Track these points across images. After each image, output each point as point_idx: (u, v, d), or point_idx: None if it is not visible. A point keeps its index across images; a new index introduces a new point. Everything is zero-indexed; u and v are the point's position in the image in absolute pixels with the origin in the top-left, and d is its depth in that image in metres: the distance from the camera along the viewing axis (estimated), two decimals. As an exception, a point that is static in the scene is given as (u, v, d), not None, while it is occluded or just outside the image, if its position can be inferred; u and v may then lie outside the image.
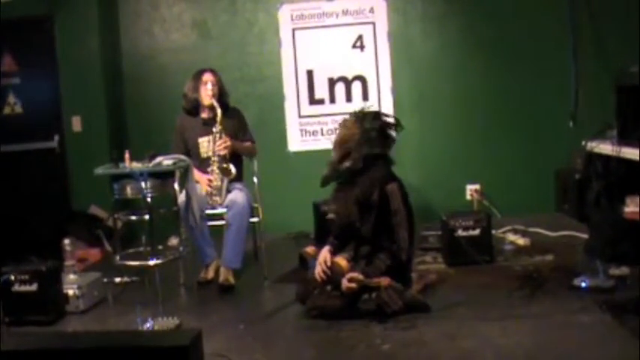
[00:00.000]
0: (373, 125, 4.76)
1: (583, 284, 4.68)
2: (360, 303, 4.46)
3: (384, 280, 4.42)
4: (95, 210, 7.01)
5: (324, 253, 4.68)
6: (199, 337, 2.39)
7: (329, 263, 4.60)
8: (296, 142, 7.44)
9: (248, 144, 5.77)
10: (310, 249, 4.90)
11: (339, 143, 4.80)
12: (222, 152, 5.50)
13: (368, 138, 4.71)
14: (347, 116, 4.90)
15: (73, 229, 6.50)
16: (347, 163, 4.70)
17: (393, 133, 4.84)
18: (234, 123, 5.70)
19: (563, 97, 7.17)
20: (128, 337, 2.80)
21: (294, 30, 7.38)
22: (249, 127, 5.85)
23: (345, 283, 4.44)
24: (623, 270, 4.84)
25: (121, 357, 2.26)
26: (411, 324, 4.29)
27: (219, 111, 5.49)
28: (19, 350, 2.43)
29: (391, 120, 4.87)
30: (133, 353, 2.26)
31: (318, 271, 4.62)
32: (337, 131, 4.94)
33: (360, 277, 4.44)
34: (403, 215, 4.66)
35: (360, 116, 4.82)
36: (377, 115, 4.88)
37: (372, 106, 5.14)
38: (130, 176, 4.95)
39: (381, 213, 4.63)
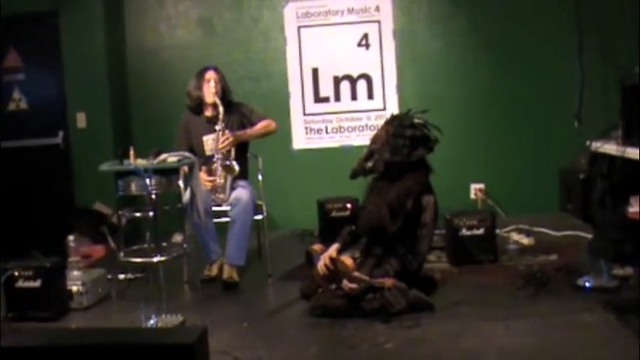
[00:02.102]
0: (402, 133, 4.74)
1: (587, 284, 4.68)
2: (364, 302, 4.45)
3: (388, 281, 4.42)
4: (100, 206, 7.01)
5: (331, 250, 4.69)
6: (205, 334, 2.39)
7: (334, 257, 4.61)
8: (301, 140, 7.44)
9: (259, 125, 5.69)
10: (317, 246, 4.90)
11: (370, 142, 4.88)
12: (226, 149, 5.51)
13: (392, 144, 4.70)
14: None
15: (77, 225, 6.51)
16: (370, 163, 4.73)
17: (425, 146, 4.80)
18: (238, 116, 5.71)
19: (568, 97, 7.16)
20: (133, 334, 2.80)
21: (299, 28, 7.39)
22: (255, 110, 5.81)
23: (345, 284, 4.45)
24: (627, 270, 4.82)
25: (126, 354, 2.26)
26: (414, 323, 4.28)
27: (221, 109, 5.49)
28: (21, 347, 2.43)
29: (428, 133, 4.83)
30: (138, 350, 2.26)
31: (321, 265, 4.62)
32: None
33: (365, 277, 4.44)
34: (430, 230, 4.72)
35: (394, 120, 4.81)
36: (413, 124, 4.81)
37: (422, 111, 4.96)
38: (134, 173, 4.95)
39: (409, 221, 4.66)
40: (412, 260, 4.63)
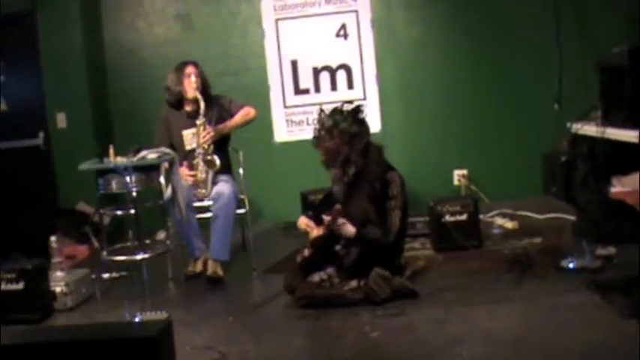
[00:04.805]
0: (347, 121, 4.67)
1: (570, 265, 4.70)
2: (349, 292, 4.47)
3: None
4: (83, 206, 6.98)
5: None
6: (169, 327, 2.35)
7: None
8: (282, 133, 7.42)
9: (238, 115, 5.70)
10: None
11: (333, 157, 4.72)
12: (207, 144, 5.50)
13: (352, 134, 4.65)
14: (316, 134, 4.77)
15: (60, 226, 6.48)
16: (352, 170, 4.68)
17: (362, 115, 4.76)
18: (218, 109, 5.69)
19: (548, 80, 7.15)
20: (95, 330, 2.73)
21: (277, 20, 7.36)
22: (234, 100, 5.81)
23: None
24: (610, 250, 4.86)
25: (88, 349, 2.22)
26: (399, 310, 4.29)
27: (202, 104, 5.48)
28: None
29: (352, 106, 4.78)
30: (100, 346, 2.22)
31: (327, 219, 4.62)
32: (320, 150, 4.79)
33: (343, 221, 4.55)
34: (399, 202, 4.67)
35: (330, 124, 4.69)
36: (341, 112, 4.74)
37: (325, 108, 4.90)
38: (114, 171, 4.94)
39: (378, 199, 4.65)
40: (386, 233, 4.61)
